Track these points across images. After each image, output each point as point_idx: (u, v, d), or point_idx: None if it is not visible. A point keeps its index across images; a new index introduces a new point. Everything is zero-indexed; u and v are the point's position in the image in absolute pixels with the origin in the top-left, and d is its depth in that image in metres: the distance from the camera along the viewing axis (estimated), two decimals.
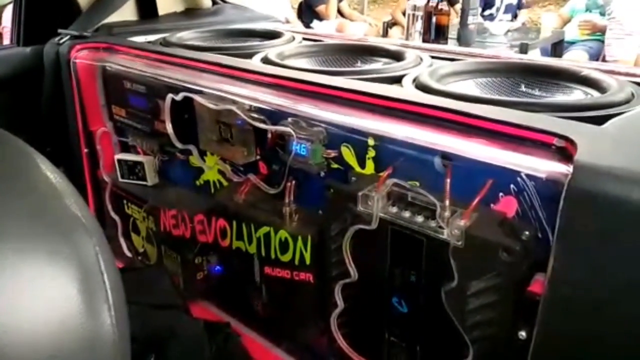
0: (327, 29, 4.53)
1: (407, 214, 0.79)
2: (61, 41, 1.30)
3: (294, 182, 0.98)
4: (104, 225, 1.38)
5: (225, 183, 1.14)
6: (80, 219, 0.35)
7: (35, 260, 0.31)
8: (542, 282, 0.62)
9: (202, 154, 1.14)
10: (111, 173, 1.34)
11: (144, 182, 1.28)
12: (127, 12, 1.48)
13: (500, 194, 0.74)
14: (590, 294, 0.58)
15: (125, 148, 1.34)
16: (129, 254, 1.38)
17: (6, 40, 2.96)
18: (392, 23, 4.83)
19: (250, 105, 0.98)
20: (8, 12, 3.30)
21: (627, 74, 0.93)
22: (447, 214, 0.75)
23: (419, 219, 0.78)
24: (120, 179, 1.31)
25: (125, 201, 1.33)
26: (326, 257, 0.91)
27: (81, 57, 1.28)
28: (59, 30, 1.32)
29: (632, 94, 0.80)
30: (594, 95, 0.85)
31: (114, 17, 1.43)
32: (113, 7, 1.41)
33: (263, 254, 1.01)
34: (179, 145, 1.13)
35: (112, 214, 1.37)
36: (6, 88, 1.33)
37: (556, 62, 1.11)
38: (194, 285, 1.18)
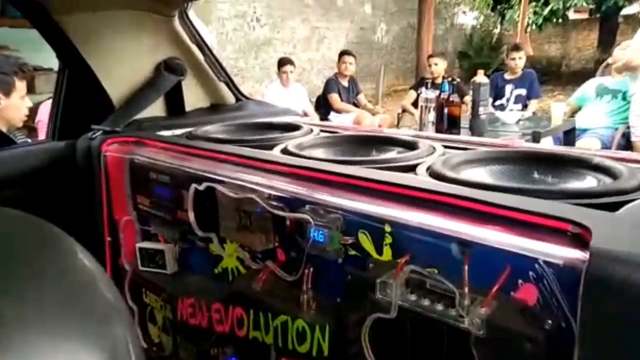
0: (345, 121, 4.74)
1: (426, 302, 0.78)
2: (93, 136, 1.39)
3: (311, 269, 0.99)
4: None
5: (243, 271, 1.15)
6: (113, 306, 0.36)
7: (69, 345, 0.33)
8: None
9: (222, 241, 1.16)
10: (132, 261, 1.36)
11: (164, 270, 1.29)
12: (156, 109, 1.59)
13: (520, 281, 0.73)
14: None
15: (147, 236, 1.37)
16: (144, 345, 1.36)
17: (41, 134, 3.14)
18: (404, 112, 5.06)
19: (270, 194, 1.01)
20: (43, 107, 3.54)
21: (637, 162, 0.94)
22: (466, 302, 0.74)
23: (439, 307, 0.77)
24: (140, 267, 1.32)
25: (143, 289, 1.34)
26: (345, 348, 0.89)
27: (111, 150, 1.36)
28: (92, 126, 1.41)
29: None
30: (606, 182, 0.86)
31: (144, 114, 1.53)
32: (144, 105, 1.52)
33: (280, 344, 0.99)
34: (200, 233, 1.16)
35: (130, 302, 1.37)
36: (41, 179, 1.41)
37: (567, 150, 1.14)
38: None
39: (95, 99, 1.49)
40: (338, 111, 5.00)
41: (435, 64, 4.85)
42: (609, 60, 4.09)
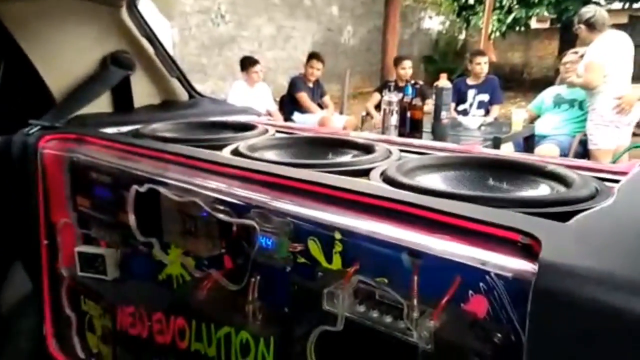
0: (309, 122, 4.69)
1: (375, 314, 0.75)
2: (30, 131, 1.29)
3: (258, 277, 0.94)
4: (59, 322, 1.28)
5: (188, 278, 1.09)
6: None
7: None
8: None
9: (166, 247, 1.09)
10: (70, 266, 1.27)
11: (104, 276, 1.21)
12: (102, 105, 1.50)
13: (470, 292, 0.70)
14: None
15: (88, 240, 1.28)
16: (82, 355, 1.28)
17: None
18: (368, 115, 5.08)
19: (216, 197, 0.96)
20: None
21: (590, 169, 0.94)
22: (415, 314, 0.71)
23: (387, 319, 0.73)
24: (79, 273, 1.24)
25: (82, 297, 1.25)
26: None
27: (49, 147, 1.27)
28: (30, 121, 1.31)
29: (596, 190, 0.80)
30: (560, 190, 0.85)
31: (88, 110, 1.44)
32: (87, 100, 1.42)
33: (223, 357, 0.93)
34: (141, 237, 1.09)
35: (68, 310, 1.28)
36: None
37: (523, 157, 1.13)
38: None
39: (35, 92, 1.40)
40: (306, 110, 4.95)
41: (404, 68, 4.87)
42: (561, 66, 4.07)
